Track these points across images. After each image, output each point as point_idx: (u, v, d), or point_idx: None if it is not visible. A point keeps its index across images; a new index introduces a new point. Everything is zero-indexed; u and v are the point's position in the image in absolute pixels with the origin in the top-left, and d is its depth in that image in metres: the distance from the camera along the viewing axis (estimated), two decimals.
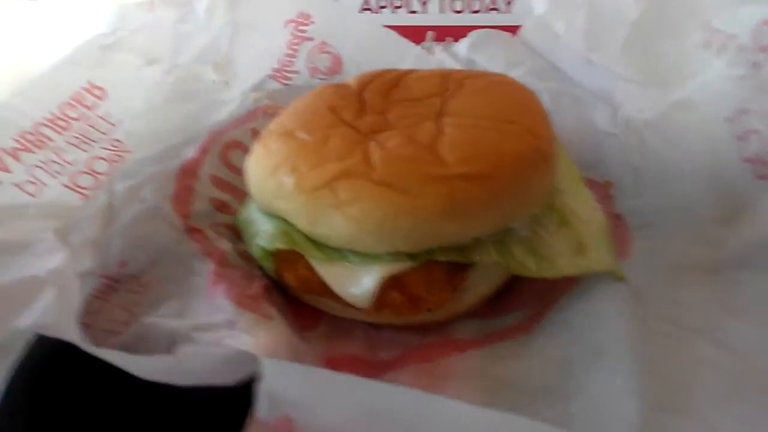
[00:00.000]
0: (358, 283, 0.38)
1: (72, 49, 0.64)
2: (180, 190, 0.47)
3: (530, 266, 0.39)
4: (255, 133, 0.56)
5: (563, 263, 0.40)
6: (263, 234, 0.42)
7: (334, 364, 0.40)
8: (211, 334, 0.36)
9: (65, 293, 0.33)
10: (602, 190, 0.54)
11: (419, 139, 0.40)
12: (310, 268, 0.40)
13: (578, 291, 0.41)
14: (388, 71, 0.49)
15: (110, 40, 0.67)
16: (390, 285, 0.38)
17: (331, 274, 0.39)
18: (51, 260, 0.38)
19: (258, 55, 0.70)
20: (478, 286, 0.41)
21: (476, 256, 0.39)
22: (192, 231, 0.45)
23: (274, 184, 0.40)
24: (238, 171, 0.51)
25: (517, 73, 0.62)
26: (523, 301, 0.43)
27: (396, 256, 0.38)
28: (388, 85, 0.47)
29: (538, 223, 0.41)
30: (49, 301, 0.32)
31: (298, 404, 0.30)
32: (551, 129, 0.44)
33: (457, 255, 0.39)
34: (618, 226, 0.50)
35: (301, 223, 0.39)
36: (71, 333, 0.31)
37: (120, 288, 0.41)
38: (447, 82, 0.46)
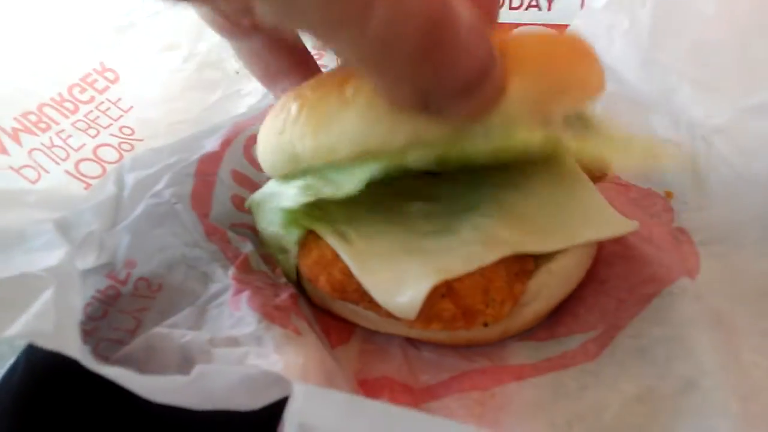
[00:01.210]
0: (404, 290, 0.33)
1: (85, 28, 0.59)
2: (199, 187, 0.42)
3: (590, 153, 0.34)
4: None
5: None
6: (285, 197, 0.37)
7: (368, 387, 0.35)
8: (233, 350, 0.31)
9: (65, 295, 0.28)
10: (662, 201, 0.49)
11: None
12: (346, 272, 0.34)
13: (651, 313, 0.36)
14: None
15: (126, 22, 0.62)
16: (441, 293, 0.33)
17: (372, 278, 0.34)
18: (50, 256, 0.33)
19: None
20: (537, 301, 0.36)
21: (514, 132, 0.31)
22: (211, 232, 0.40)
23: (280, 120, 0.35)
24: (259, 166, 0.46)
25: None
26: (585, 322, 0.37)
27: (418, 147, 0.32)
28: None
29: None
30: (45, 305, 0.27)
31: None
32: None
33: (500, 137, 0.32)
34: (681, 241, 0.44)
35: (307, 142, 0.33)
36: (70, 344, 0.26)
37: (127, 291, 0.36)
38: None
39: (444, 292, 0.33)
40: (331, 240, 0.35)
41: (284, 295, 0.36)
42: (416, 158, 0.31)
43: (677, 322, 0.34)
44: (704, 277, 0.41)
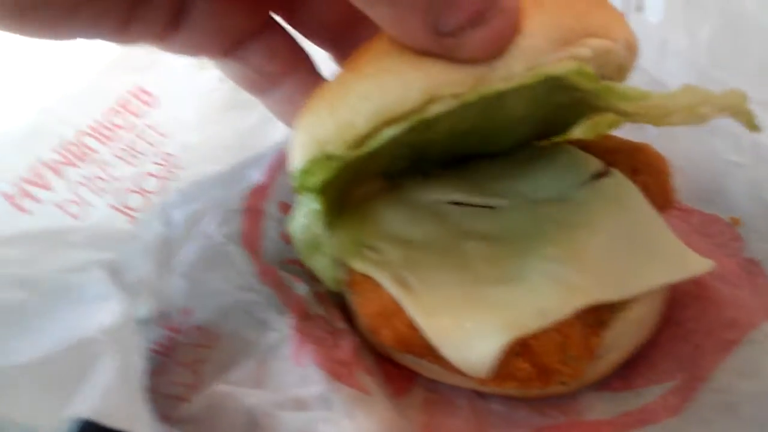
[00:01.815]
0: (475, 347, 0.31)
1: (119, 52, 0.57)
2: (249, 223, 0.41)
3: (632, 92, 0.30)
4: None
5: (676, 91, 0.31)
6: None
7: None
8: (300, 414, 0.29)
9: (127, 363, 0.27)
10: (729, 229, 0.47)
11: None
12: (411, 325, 0.33)
13: (736, 363, 0.34)
14: None
15: None
16: (516, 351, 0.31)
17: (439, 332, 0.32)
18: (104, 309, 0.31)
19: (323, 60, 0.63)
20: (613, 352, 0.34)
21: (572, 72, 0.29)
22: (264, 273, 0.38)
23: (309, 124, 0.33)
24: None
25: None
26: (664, 371, 0.35)
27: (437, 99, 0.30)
28: None
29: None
30: (109, 379, 0.25)
31: None
32: None
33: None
34: (755, 274, 0.42)
35: (329, 127, 0.31)
36: (137, 422, 0.24)
37: (184, 341, 0.34)
38: None
39: (518, 350, 0.31)
40: (393, 289, 0.33)
41: (346, 347, 0.34)
42: (437, 110, 0.29)
43: (765, 376, 0.32)
44: None
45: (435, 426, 0.34)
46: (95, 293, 0.33)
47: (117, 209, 0.46)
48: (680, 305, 0.39)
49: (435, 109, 0.30)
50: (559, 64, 0.29)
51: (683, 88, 0.32)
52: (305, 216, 0.35)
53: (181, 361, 0.34)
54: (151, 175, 0.50)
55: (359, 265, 0.35)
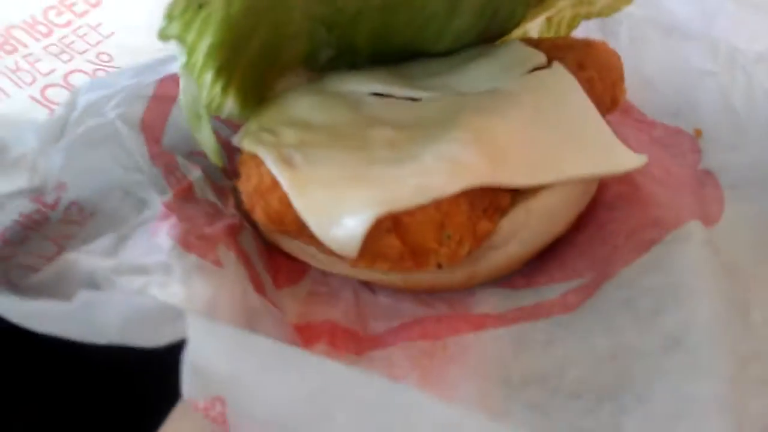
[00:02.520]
0: (343, 222, 0.28)
1: None
2: (154, 109, 0.38)
3: None
4: None
5: None
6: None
7: (309, 331, 0.31)
8: (138, 278, 0.27)
9: None
10: (690, 140, 0.42)
11: None
12: (285, 201, 0.30)
13: (649, 261, 0.30)
14: None
15: None
16: (387, 228, 0.28)
17: (310, 208, 0.29)
18: None
19: None
20: (511, 244, 0.31)
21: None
22: (158, 157, 0.36)
23: None
24: None
25: None
26: (571, 270, 0.32)
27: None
28: None
29: None
30: None
31: (231, 381, 0.21)
32: None
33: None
34: (707, 184, 0.38)
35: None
36: None
37: (56, 217, 0.33)
38: None
39: (390, 226, 0.28)
40: (273, 165, 0.31)
41: (219, 225, 0.31)
42: None
43: (676, 270, 0.28)
44: (726, 223, 0.34)
45: (309, 315, 0.32)
46: None
47: (36, 101, 0.45)
48: (608, 207, 0.35)
49: None
50: None
51: None
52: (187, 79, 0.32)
53: (48, 236, 0.32)
54: (81, 71, 0.48)
55: (247, 144, 0.33)
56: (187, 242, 0.29)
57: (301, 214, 0.29)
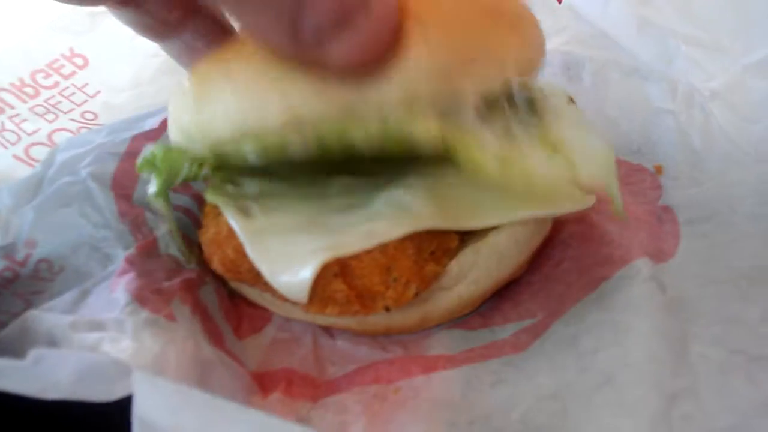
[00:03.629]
0: (292, 268, 0.29)
1: (57, 14, 0.58)
2: (125, 166, 0.40)
3: (486, 162, 0.27)
4: None
5: (536, 163, 0.28)
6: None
7: (267, 380, 0.31)
8: (92, 334, 0.28)
9: None
10: (651, 177, 0.43)
11: None
12: (240, 250, 0.31)
13: (596, 298, 0.31)
14: None
15: (102, 8, 0.61)
16: (334, 272, 0.29)
17: (263, 256, 0.30)
18: None
19: None
20: (462, 284, 0.32)
21: (406, 127, 0.27)
22: (125, 213, 0.37)
23: (179, 97, 0.32)
24: None
25: (558, 41, 0.52)
26: (525, 309, 0.33)
27: (297, 126, 0.28)
28: None
29: (504, 105, 0.30)
30: None
31: None
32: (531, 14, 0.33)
33: (379, 130, 0.27)
34: (664, 221, 0.39)
35: (192, 117, 0.30)
36: None
37: (26, 273, 0.34)
38: None
39: (337, 271, 0.29)
40: (229, 214, 0.32)
41: (177, 279, 0.32)
42: (296, 139, 0.28)
43: (617, 307, 0.29)
44: (680, 259, 0.35)
45: (270, 362, 0.32)
46: None
47: (20, 159, 0.46)
48: (563, 245, 0.36)
49: (294, 137, 0.28)
50: (420, 125, 0.27)
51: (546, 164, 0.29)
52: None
53: (17, 292, 0.33)
54: (65, 129, 0.50)
55: (209, 196, 0.34)
56: (141, 297, 0.30)
57: (254, 262, 0.30)
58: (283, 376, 0.31)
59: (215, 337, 0.31)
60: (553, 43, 0.53)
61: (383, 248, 0.29)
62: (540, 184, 0.28)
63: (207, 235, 0.33)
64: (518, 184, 0.28)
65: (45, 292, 0.33)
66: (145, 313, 0.29)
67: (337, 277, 0.29)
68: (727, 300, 0.30)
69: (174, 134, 0.33)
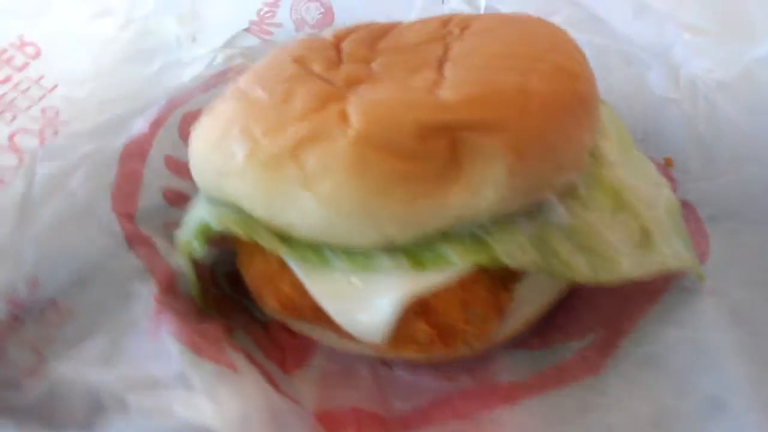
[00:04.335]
0: (368, 309, 0.27)
1: None
2: (122, 179, 0.36)
3: (581, 268, 0.28)
4: None
5: (626, 261, 0.29)
6: (200, 214, 0.31)
7: (331, 421, 0.29)
8: (154, 395, 0.25)
9: None
10: (663, 171, 0.43)
11: (414, 85, 0.29)
12: (298, 286, 0.28)
13: (661, 312, 0.31)
14: (376, 23, 0.38)
15: None
16: (414, 311, 0.27)
17: (329, 294, 0.28)
18: None
19: (232, 4, 0.57)
20: (525, 307, 0.31)
21: (502, 253, 0.27)
22: (135, 239, 0.33)
23: (219, 157, 0.29)
24: None
25: None
26: (584, 325, 0.32)
27: (390, 252, 0.27)
28: (375, 35, 0.35)
29: (583, 205, 0.30)
30: None
31: None
32: (589, 69, 0.33)
33: (474, 250, 0.27)
34: (687, 219, 0.39)
35: (257, 207, 0.28)
36: None
37: (29, 318, 0.29)
38: (447, 26, 0.35)
39: (417, 309, 0.27)
40: (277, 246, 0.29)
41: (213, 322, 0.30)
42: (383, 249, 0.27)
43: (692, 322, 0.29)
44: (717, 260, 0.35)
45: (330, 400, 0.30)
46: None
47: None
48: None
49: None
50: (514, 239, 0.27)
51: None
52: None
53: (22, 341, 0.29)
54: (27, 130, 0.44)
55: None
56: (194, 345, 0.27)
57: (318, 300, 0.28)
58: (351, 416, 0.29)
59: (270, 382, 0.29)
60: None
61: (461, 282, 0.27)
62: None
63: (253, 269, 0.30)
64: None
65: (56, 340, 0.29)
66: (208, 365, 0.26)
67: (417, 317, 0.27)
68: None
69: (211, 190, 0.31)
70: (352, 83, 0.30)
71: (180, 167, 0.39)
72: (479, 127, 0.26)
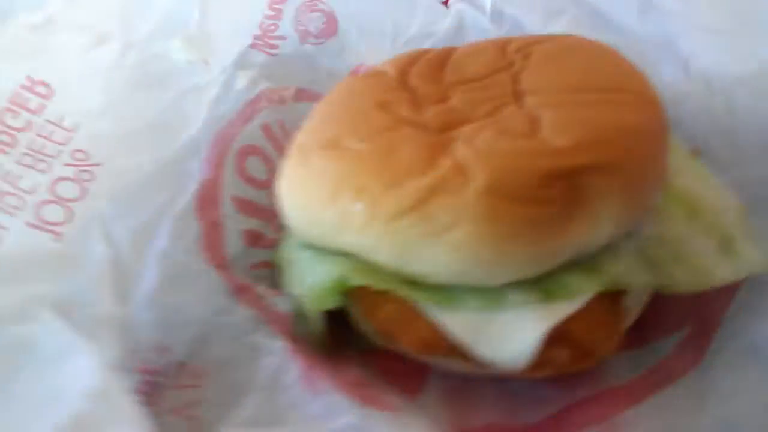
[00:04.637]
0: (510, 342, 0.29)
1: None
2: (207, 230, 0.35)
3: (681, 278, 0.31)
4: (268, 131, 0.44)
5: (716, 268, 0.32)
6: (325, 269, 0.31)
7: None
8: None
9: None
10: None
11: (512, 127, 0.30)
12: (434, 327, 0.30)
13: (744, 301, 0.34)
14: (426, 51, 0.39)
15: (42, 18, 0.51)
16: (554, 338, 0.29)
17: (468, 332, 0.29)
18: (77, 367, 0.26)
19: (235, 19, 0.56)
20: (630, 315, 0.33)
21: (618, 276, 0.30)
22: (239, 290, 0.33)
23: (335, 215, 0.30)
24: (261, 184, 0.40)
25: (558, 25, 0.53)
26: (673, 321, 0.35)
27: (518, 288, 0.29)
28: (435, 66, 0.37)
29: (661, 216, 0.33)
30: None
31: None
32: (655, 89, 0.36)
33: (593, 277, 0.30)
34: None
35: (384, 259, 0.30)
36: None
37: (167, 384, 0.29)
38: (506, 53, 0.37)
39: (556, 336, 0.29)
40: (405, 290, 0.30)
41: (346, 366, 0.31)
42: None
43: None
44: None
45: (462, 420, 0.32)
46: (55, 346, 0.27)
47: (36, 227, 0.39)
48: None
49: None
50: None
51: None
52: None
53: (170, 409, 0.29)
54: (65, 179, 0.42)
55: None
56: (358, 394, 0.28)
57: (457, 337, 0.29)
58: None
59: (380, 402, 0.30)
60: (554, 28, 0.53)
61: (587, 304, 0.29)
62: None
63: (383, 316, 0.31)
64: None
65: (200, 402, 0.29)
66: (378, 413, 0.27)
67: (557, 342, 0.29)
68: None
69: (320, 239, 0.32)
70: (446, 128, 0.31)
71: (248, 207, 0.39)
72: (593, 170, 0.28)
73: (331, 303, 0.30)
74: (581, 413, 0.31)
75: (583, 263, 0.30)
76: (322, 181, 0.31)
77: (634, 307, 0.33)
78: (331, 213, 0.30)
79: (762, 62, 0.44)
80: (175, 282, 0.32)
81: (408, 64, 0.37)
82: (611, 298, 0.31)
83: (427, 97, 0.34)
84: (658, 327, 0.35)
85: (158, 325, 0.31)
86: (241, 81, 0.50)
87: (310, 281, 0.31)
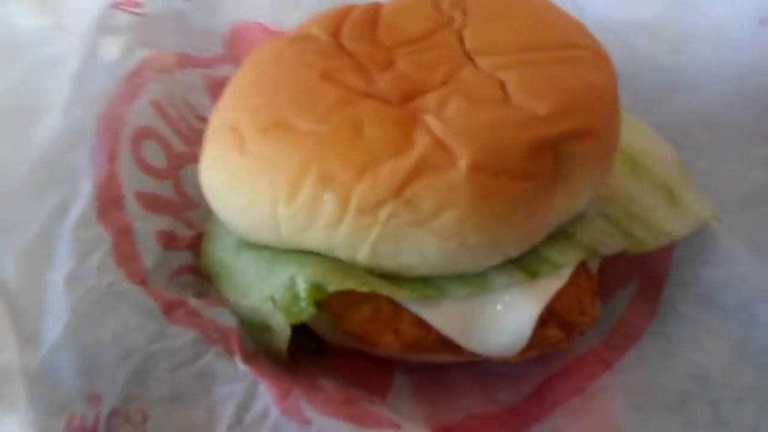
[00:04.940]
0: (505, 327, 0.27)
1: None
2: (118, 240, 0.29)
3: (644, 238, 0.31)
4: (159, 109, 0.38)
5: (668, 221, 0.32)
6: (292, 272, 0.27)
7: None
8: None
9: None
10: None
11: (480, 94, 0.28)
12: (419, 324, 0.27)
13: (687, 250, 0.34)
14: (348, 8, 0.34)
15: None
16: (544, 319, 0.28)
17: (455, 324, 0.27)
18: None
19: None
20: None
21: (595, 244, 0.29)
22: (168, 307, 0.28)
23: (295, 210, 0.26)
24: (161, 173, 0.34)
25: None
26: (620, 275, 0.35)
27: (501, 269, 0.28)
28: (367, 26, 0.33)
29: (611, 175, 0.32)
30: None
31: None
32: None
33: (571, 248, 0.29)
34: None
35: (360, 255, 0.26)
36: None
37: None
38: (441, 9, 0.33)
39: (546, 316, 0.28)
40: (385, 289, 0.27)
41: (328, 382, 0.27)
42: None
43: (722, 258, 0.33)
44: None
45: (443, 414, 0.30)
46: None
47: None
48: None
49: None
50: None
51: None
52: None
53: None
54: None
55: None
56: (354, 416, 0.25)
57: (445, 331, 0.27)
58: (470, 425, 0.29)
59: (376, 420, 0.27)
60: None
61: (570, 279, 0.28)
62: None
63: (360, 317, 0.27)
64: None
65: None
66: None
67: (547, 323, 0.28)
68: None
69: (271, 239, 0.28)
70: (406, 98, 0.28)
71: (155, 202, 0.34)
72: (574, 136, 0.27)
73: (307, 314, 0.26)
74: (560, 387, 0.31)
75: (557, 235, 0.28)
76: (272, 171, 0.26)
77: (594, 272, 0.32)
78: (290, 208, 0.26)
79: (661, 10, 0.45)
80: (92, 312, 0.26)
81: (335, 25, 0.33)
82: (582, 266, 0.30)
83: (372, 62, 0.30)
84: (606, 285, 0.35)
85: (80, 370, 0.25)
86: (110, 49, 0.43)
87: (269, 289, 0.27)
